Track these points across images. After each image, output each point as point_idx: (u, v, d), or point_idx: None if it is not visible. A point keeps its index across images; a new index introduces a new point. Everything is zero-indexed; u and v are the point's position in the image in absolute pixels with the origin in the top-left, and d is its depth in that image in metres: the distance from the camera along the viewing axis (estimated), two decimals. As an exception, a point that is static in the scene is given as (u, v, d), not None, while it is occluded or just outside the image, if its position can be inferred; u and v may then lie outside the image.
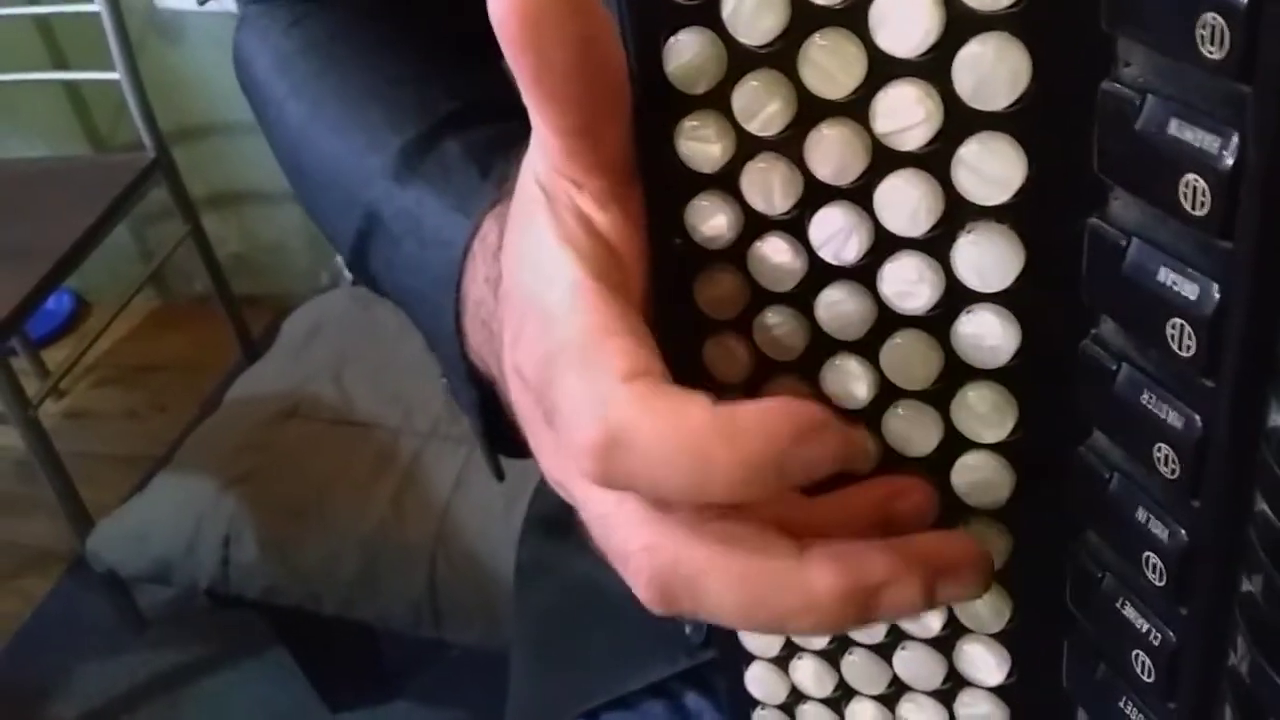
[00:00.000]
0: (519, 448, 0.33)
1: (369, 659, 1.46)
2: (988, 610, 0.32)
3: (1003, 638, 0.32)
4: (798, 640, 0.36)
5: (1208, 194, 0.21)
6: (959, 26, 0.24)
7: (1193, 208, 0.22)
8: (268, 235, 2.11)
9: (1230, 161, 0.21)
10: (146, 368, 2.12)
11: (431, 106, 0.45)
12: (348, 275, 1.57)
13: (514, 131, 0.28)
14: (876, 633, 0.34)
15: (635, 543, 0.26)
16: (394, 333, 1.42)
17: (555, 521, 0.59)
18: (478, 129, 0.43)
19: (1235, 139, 0.21)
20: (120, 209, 1.61)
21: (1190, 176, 0.21)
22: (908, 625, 0.33)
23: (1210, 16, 0.20)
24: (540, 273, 0.28)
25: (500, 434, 0.39)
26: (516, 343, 0.29)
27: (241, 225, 2.11)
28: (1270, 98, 0.20)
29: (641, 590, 0.26)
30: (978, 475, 0.29)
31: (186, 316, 2.19)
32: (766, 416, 0.23)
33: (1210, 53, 0.20)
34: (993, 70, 0.24)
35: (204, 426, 1.38)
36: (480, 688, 1.39)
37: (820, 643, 0.35)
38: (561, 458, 0.28)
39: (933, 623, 0.33)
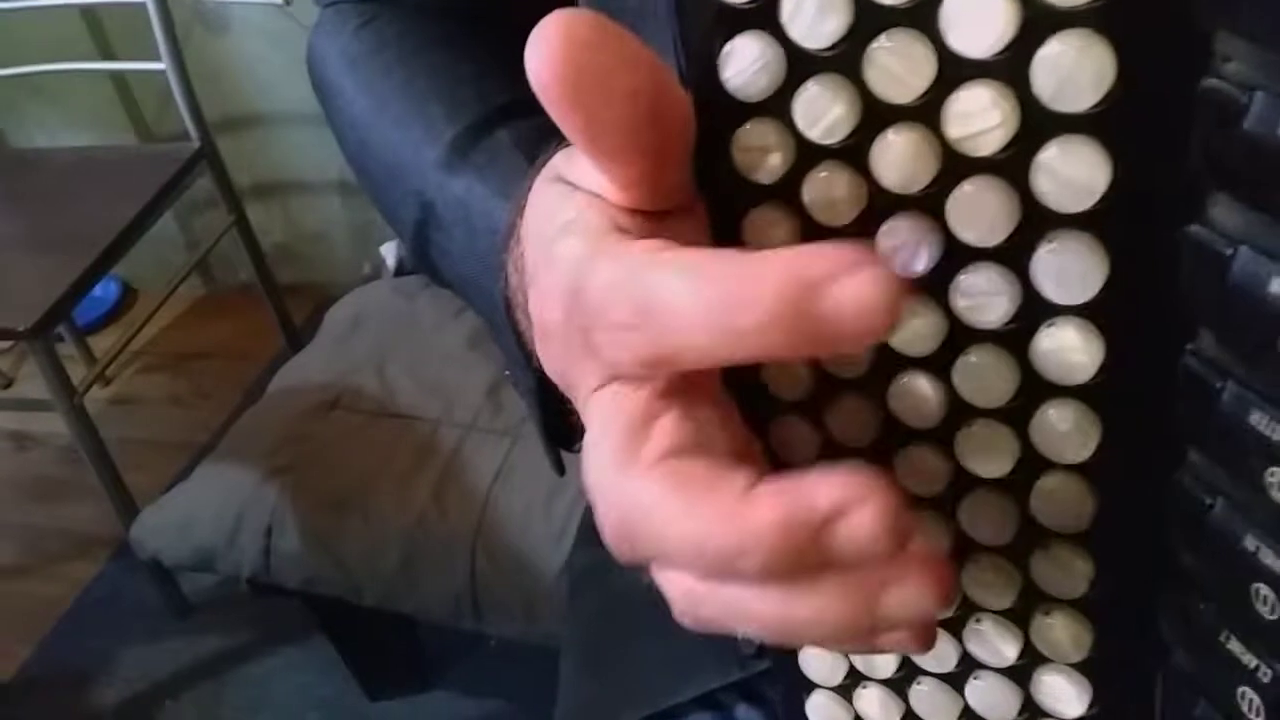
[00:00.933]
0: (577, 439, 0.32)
1: (409, 649, 1.46)
2: (1067, 639, 0.30)
3: (1084, 668, 0.31)
4: (862, 668, 0.34)
5: (1326, 196, 0.20)
6: (1037, 24, 0.23)
7: (1309, 212, 0.20)
8: (310, 225, 2.12)
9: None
10: (191, 355, 2.13)
11: (486, 98, 0.44)
12: (390, 266, 1.57)
13: None
14: (947, 661, 0.32)
15: (600, 479, 0.25)
16: (435, 325, 1.42)
17: None
18: (531, 119, 0.42)
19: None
20: (166, 198, 1.61)
21: None
22: (981, 654, 0.32)
23: (1326, 4, 0.18)
24: (552, 232, 0.27)
25: (558, 426, 0.39)
26: (533, 305, 0.29)
27: (285, 215, 2.12)
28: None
29: (606, 530, 0.25)
30: (1057, 498, 0.28)
31: (230, 305, 2.21)
32: (802, 257, 0.22)
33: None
34: (1075, 69, 0.23)
35: (246, 417, 1.38)
36: (520, 678, 1.39)
37: (887, 671, 0.34)
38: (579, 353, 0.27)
39: (1008, 651, 0.31)
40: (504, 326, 0.37)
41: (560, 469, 0.43)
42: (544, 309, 0.28)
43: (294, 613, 1.40)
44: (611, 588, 0.57)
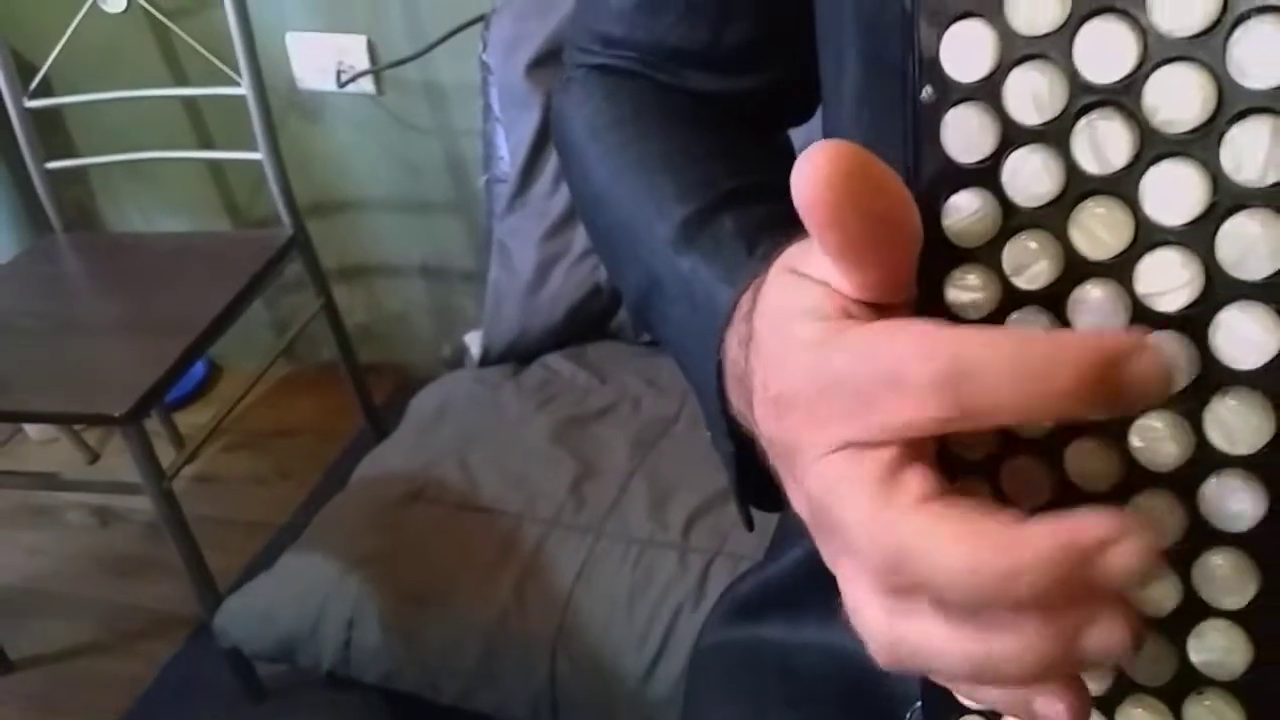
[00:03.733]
0: (770, 502, 0.38)
1: (484, 746, 1.44)
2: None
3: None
4: None
5: None
6: (1226, 200, 0.26)
7: None
8: (392, 307, 2.15)
9: None
10: (273, 433, 2.16)
11: (714, 181, 0.50)
12: (474, 353, 1.57)
13: (783, 213, 0.30)
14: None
15: (855, 520, 0.27)
16: (519, 417, 1.42)
17: (750, 604, 0.62)
18: (752, 208, 0.48)
19: None
20: (260, 284, 1.64)
21: None
22: None
23: None
24: (791, 315, 0.30)
25: (751, 488, 0.44)
26: (770, 378, 0.31)
27: (369, 296, 2.15)
28: None
29: (867, 571, 0.27)
30: (1219, 573, 0.29)
31: (312, 383, 2.24)
32: (1100, 337, 0.25)
33: None
34: (1256, 243, 0.26)
35: (331, 505, 1.39)
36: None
37: None
38: (843, 466, 0.28)
39: None
40: (712, 394, 0.42)
41: (750, 526, 0.48)
42: (781, 380, 0.31)
43: (370, 702, 1.39)
44: (750, 659, 0.59)
